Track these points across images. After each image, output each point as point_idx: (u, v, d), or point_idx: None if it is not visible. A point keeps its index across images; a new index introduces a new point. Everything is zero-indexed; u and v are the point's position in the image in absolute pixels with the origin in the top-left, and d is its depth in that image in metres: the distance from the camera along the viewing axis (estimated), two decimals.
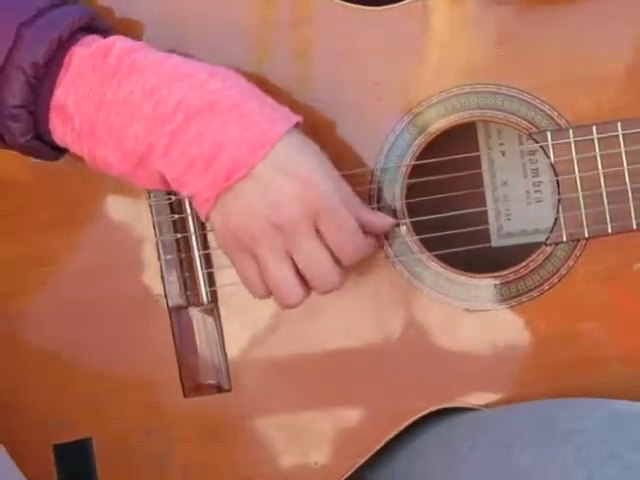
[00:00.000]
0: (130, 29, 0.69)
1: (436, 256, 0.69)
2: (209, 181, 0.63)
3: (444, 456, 0.68)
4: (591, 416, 0.62)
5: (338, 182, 0.65)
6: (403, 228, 0.69)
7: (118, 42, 0.65)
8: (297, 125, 0.64)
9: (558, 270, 0.68)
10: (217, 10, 0.70)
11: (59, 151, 0.68)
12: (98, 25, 0.67)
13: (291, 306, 0.65)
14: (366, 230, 0.66)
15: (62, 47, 0.64)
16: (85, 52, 0.64)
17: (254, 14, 0.70)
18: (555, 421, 0.63)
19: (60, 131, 0.66)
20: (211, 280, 0.71)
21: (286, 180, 0.63)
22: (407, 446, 0.71)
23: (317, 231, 0.63)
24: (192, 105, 0.63)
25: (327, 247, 0.64)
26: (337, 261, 0.64)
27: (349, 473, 0.71)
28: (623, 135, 0.66)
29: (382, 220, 0.68)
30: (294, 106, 0.66)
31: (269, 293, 0.65)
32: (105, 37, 0.66)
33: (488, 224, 0.74)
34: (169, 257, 0.71)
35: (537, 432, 0.63)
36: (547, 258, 0.67)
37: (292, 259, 0.64)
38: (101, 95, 0.64)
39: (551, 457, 0.60)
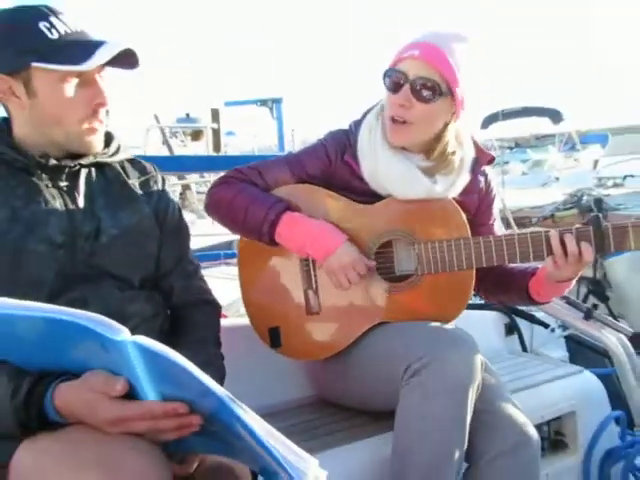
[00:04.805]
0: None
1: (385, 278, 2.29)
2: (322, 255, 2.13)
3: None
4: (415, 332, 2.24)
5: (358, 254, 2.20)
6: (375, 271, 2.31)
7: (293, 215, 2.17)
8: (346, 239, 2.18)
9: (417, 283, 2.28)
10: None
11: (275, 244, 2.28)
12: (289, 207, 2.26)
13: (346, 289, 2.28)
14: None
15: (278, 217, 2.13)
16: (284, 217, 2.17)
17: None
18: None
19: (277, 240, 2.25)
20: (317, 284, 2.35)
21: (344, 254, 2.12)
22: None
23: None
24: (315, 235, 2.11)
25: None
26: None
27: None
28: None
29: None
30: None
31: (342, 287, 2.22)
32: (290, 209, 2.17)
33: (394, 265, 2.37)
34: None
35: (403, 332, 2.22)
36: (415, 278, 2.27)
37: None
38: (291, 230, 2.14)
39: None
